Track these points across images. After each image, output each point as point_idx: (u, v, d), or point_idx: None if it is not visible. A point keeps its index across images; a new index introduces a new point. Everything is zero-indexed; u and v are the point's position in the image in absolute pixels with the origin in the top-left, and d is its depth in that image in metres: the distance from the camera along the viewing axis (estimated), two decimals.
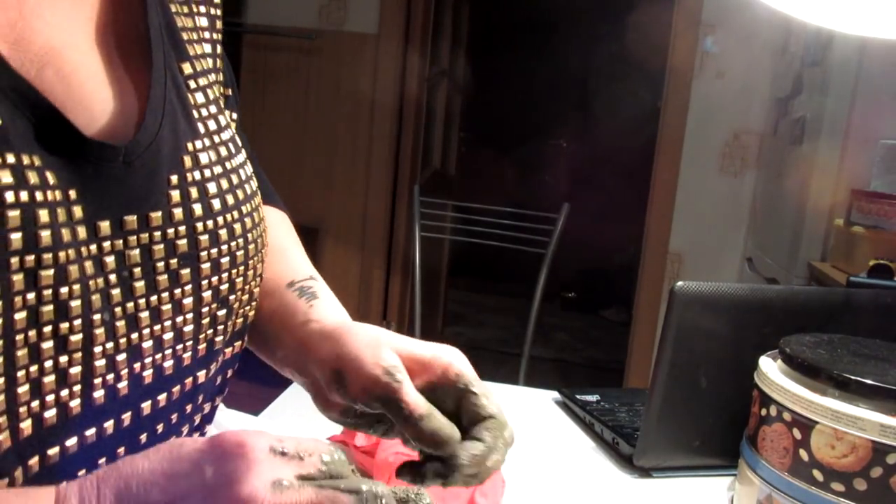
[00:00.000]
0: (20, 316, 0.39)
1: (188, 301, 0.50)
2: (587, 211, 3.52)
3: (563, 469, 0.88)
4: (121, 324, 0.45)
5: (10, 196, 0.38)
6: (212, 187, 0.51)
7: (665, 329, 0.82)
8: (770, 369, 0.72)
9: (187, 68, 0.53)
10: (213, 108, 0.54)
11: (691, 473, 0.87)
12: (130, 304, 0.46)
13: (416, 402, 0.49)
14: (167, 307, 0.48)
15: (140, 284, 0.46)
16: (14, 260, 0.38)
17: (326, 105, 3.08)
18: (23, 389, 0.39)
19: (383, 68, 3.03)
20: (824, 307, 0.87)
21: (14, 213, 0.38)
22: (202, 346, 0.52)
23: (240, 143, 0.58)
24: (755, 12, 2.51)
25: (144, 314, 0.47)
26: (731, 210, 2.87)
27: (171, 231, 0.48)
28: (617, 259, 4.58)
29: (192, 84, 0.53)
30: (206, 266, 0.50)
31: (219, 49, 0.59)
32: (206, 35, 0.57)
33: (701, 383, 0.84)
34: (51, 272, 0.40)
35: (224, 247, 0.52)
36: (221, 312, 0.53)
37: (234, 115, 0.62)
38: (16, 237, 0.38)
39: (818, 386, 0.66)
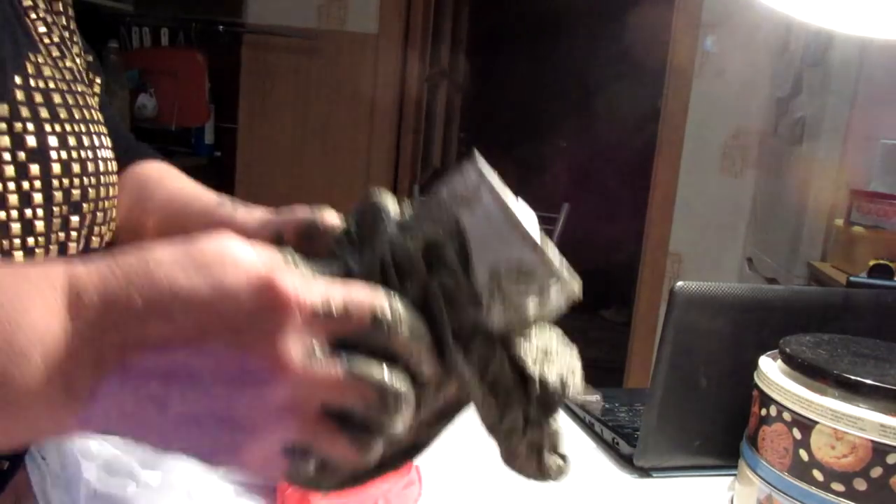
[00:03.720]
0: None
1: (37, 196, 0.50)
2: (587, 211, 3.52)
3: None
4: None
5: None
6: (57, 97, 0.53)
7: (665, 329, 0.82)
8: (770, 369, 0.72)
9: (27, 1, 0.56)
10: (55, 38, 0.57)
11: (691, 473, 0.87)
12: None
13: None
14: (13, 197, 0.48)
15: None
16: None
17: (326, 105, 3.08)
18: None
19: (383, 68, 3.03)
20: (824, 307, 0.87)
21: None
22: (53, 248, 0.52)
23: (91, 80, 0.60)
24: (755, 12, 2.51)
25: None
26: (731, 210, 2.87)
27: (18, 125, 0.49)
28: (617, 259, 4.58)
29: (33, 14, 0.56)
30: (55, 165, 0.51)
31: (70, 12, 0.62)
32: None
33: (701, 383, 0.84)
34: None
35: (73, 153, 0.53)
36: (74, 218, 0.54)
37: (98, 80, 0.65)
38: None
39: (818, 386, 0.66)
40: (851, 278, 1.12)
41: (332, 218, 0.45)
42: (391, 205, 0.40)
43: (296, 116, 3.11)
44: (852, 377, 0.64)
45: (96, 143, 0.56)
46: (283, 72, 3.07)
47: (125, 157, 0.65)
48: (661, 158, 2.92)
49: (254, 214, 0.51)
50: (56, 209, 0.52)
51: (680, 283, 0.81)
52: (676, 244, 2.93)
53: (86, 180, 0.54)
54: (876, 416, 0.62)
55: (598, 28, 4.95)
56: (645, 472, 0.87)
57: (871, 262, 1.74)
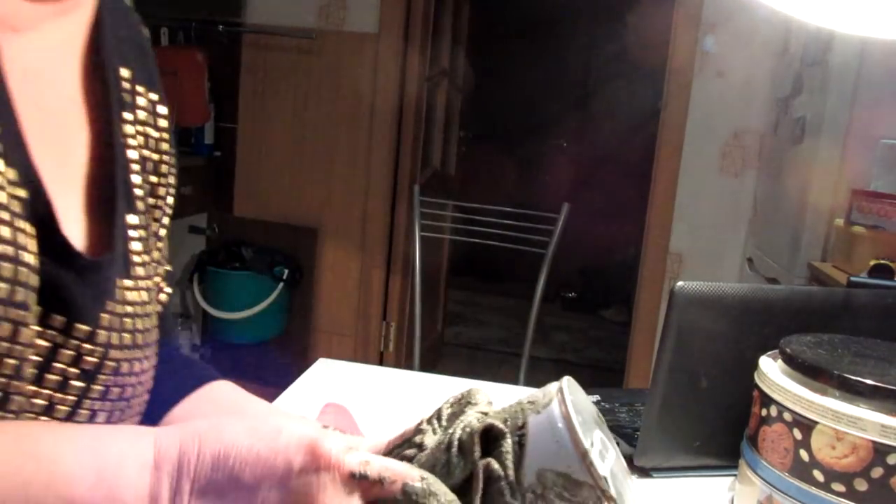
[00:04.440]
0: None
1: (63, 409, 0.51)
2: (587, 211, 3.52)
3: None
4: (21, 400, 0.48)
5: (22, 255, 0.45)
6: (129, 324, 0.56)
7: (665, 329, 0.82)
8: (770, 369, 0.72)
9: (131, 220, 0.59)
10: (145, 258, 0.60)
11: (691, 473, 0.87)
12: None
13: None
14: (41, 402, 0.49)
15: (29, 371, 0.48)
16: (1, 309, 0.44)
17: (326, 105, 3.08)
18: None
19: (383, 68, 3.03)
20: (824, 307, 0.87)
21: (22, 273, 0.45)
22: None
23: (156, 294, 0.63)
24: (755, 12, 2.52)
25: (20, 398, 0.48)
26: (731, 210, 2.87)
27: (86, 346, 0.51)
28: (617, 259, 4.59)
29: (134, 234, 0.59)
30: (97, 388, 0.53)
31: (165, 216, 0.67)
32: (161, 191, 0.65)
33: (701, 383, 0.84)
34: (10, 327, 0.45)
35: (120, 378, 0.55)
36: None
37: (167, 289, 0.70)
38: (5, 289, 0.44)
39: (818, 386, 0.66)
40: (852, 278, 1.12)
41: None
42: (482, 398, 0.45)
43: (296, 116, 3.11)
44: (853, 377, 0.64)
45: (145, 367, 0.59)
46: (283, 72, 3.07)
47: (192, 381, 0.69)
48: (661, 158, 2.92)
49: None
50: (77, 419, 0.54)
51: (680, 283, 0.80)
52: (676, 244, 2.93)
53: (116, 405, 0.56)
54: (876, 417, 0.62)
55: (598, 28, 4.95)
56: (645, 472, 0.87)
57: (872, 262, 1.74)
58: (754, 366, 0.75)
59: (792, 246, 2.16)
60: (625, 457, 0.90)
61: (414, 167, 3.19)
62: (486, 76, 4.74)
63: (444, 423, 0.44)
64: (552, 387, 0.43)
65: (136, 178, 0.60)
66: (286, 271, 3.01)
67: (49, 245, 0.48)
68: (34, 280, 0.46)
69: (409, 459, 0.42)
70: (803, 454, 0.66)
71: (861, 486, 0.62)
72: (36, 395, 0.49)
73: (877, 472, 0.62)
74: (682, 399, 0.84)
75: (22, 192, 0.46)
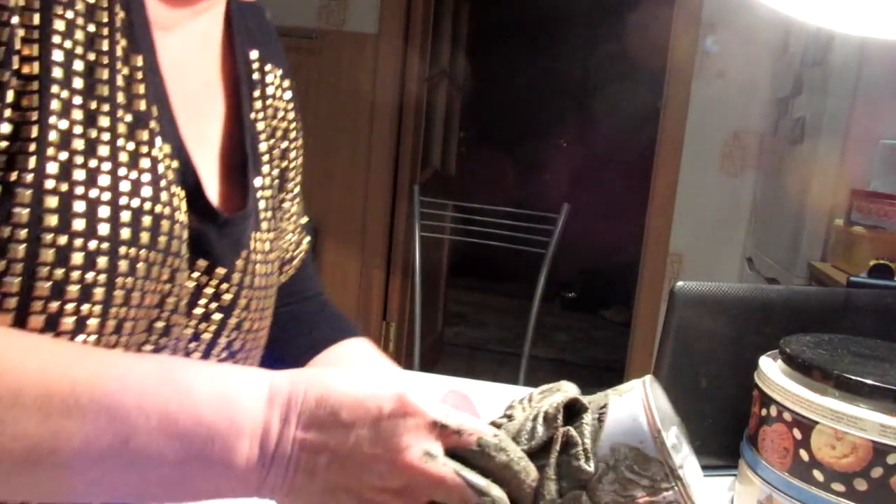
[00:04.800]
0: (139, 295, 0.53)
1: (206, 336, 0.61)
2: (587, 211, 3.52)
3: None
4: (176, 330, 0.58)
5: (178, 216, 0.55)
6: (259, 268, 0.66)
7: (665, 329, 0.82)
8: (770, 369, 0.72)
9: (258, 182, 0.69)
10: (269, 214, 0.70)
11: None
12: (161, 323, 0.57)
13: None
14: (188, 331, 0.60)
15: (183, 304, 0.58)
16: (169, 259, 0.55)
17: (326, 105, 3.08)
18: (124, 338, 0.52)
19: (383, 68, 3.03)
20: (824, 307, 0.87)
21: (177, 230, 0.55)
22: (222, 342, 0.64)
23: (276, 245, 0.72)
24: (755, 12, 2.52)
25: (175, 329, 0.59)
26: (731, 210, 2.87)
27: (224, 285, 0.62)
28: (617, 259, 4.59)
29: (259, 194, 0.68)
30: (232, 321, 0.63)
31: (288, 177, 0.77)
32: (280, 161, 0.74)
33: (701, 383, 0.84)
34: (168, 272, 0.56)
35: (251, 313, 0.65)
36: (223, 356, 0.65)
37: (305, 244, 0.83)
38: (175, 244, 0.55)
39: (818, 386, 0.66)
40: (851, 278, 1.12)
41: None
42: (572, 388, 0.49)
43: None
44: (853, 377, 0.64)
45: (268, 304, 0.69)
46: None
47: (334, 335, 0.80)
48: (661, 158, 2.92)
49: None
50: (213, 351, 0.63)
51: (680, 283, 0.81)
52: (676, 244, 2.94)
53: (247, 336, 0.66)
54: (876, 417, 0.62)
55: (598, 28, 4.95)
56: None
57: (871, 262, 1.74)
58: (754, 366, 0.75)
59: (791, 246, 2.16)
60: None
61: (414, 167, 3.19)
62: (486, 76, 4.75)
63: (533, 404, 0.48)
64: (636, 380, 0.47)
65: (263, 146, 0.70)
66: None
67: (196, 206, 0.58)
68: (185, 234, 0.56)
69: (499, 426, 0.46)
70: (803, 454, 0.66)
71: (861, 485, 0.63)
72: (187, 326, 0.59)
73: (876, 472, 0.62)
74: (682, 399, 0.84)
75: (175, 163, 0.56)
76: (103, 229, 0.50)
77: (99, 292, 0.50)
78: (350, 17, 3.05)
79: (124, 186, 0.51)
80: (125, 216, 0.51)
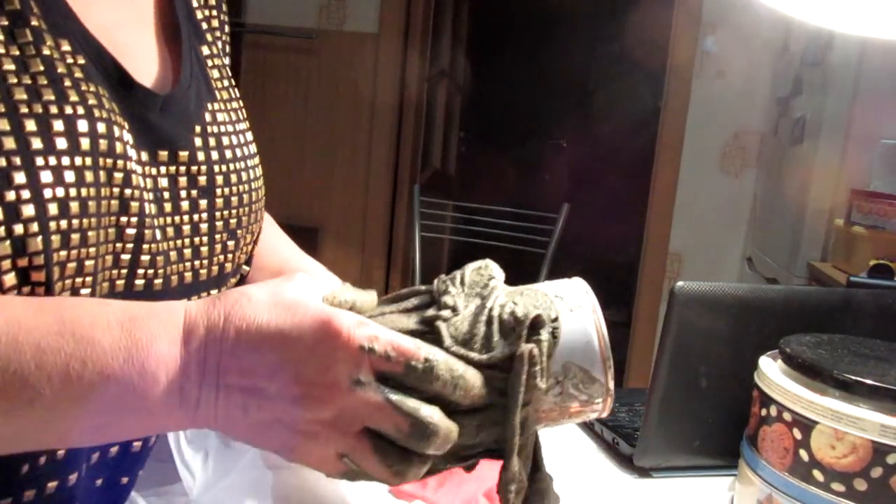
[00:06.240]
0: (101, 202, 0.49)
1: (204, 226, 0.60)
2: (587, 211, 3.52)
3: (563, 469, 0.87)
4: (158, 233, 0.55)
5: (96, 112, 0.50)
6: (225, 140, 0.63)
7: (665, 329, 0.82)
8: (770, 369, 0.72)
9: (205, 50, 0.66)
10: (225, 83, 0.67)
11: (691, 473, 0.87)
12: (160, 220, 0.55)
13: None
14: (187, 227, 0.58)
15: (168, 206, 0.57)
16: (101, 160, 0.49)
17: (326, 105, 3.08)
18: (89, 263, 0.49)
19: (383, 68, 3.03)
20: (824, 307, 0.87)
21: (102, 127, 0.50)
22: (215, 268, 0.63)
23: (244, 115, 0.70)
24: (755, 12, 2.51)
25: (170, 229, 0.57)
26: (731, 210, 2.87)
27: (193, 168, 0.59)
28: (617, 259, 4.58)
29: (209, 62, 0.66)
30: (219, 200, 0.61)
31: (227, 48, 0.73)
32: (215, 23, 0.70)
33: (701, 383, 0.84)
34: (121, 175, 0.51)
35: (234, 188, 0.63)
36: (230, 242, 0.63)
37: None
38: (103, 143, 0.50)
39: (818, 386, 0.66)
40: (851, 278, 1.12)
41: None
42: (498, 272, 0.49)
43: (296, 116, 3.11)
44: (853, 377, 0.64)
45: (252, 176, 0.66)
46: (283, 72, 3.07)
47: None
48: (661, 158, 2.92)
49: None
50: (217, 236, 0.62)
51: (680, 283, 0.80)
52: (676, 244, 2.93)
53: (241, 210, 0.64)
54: (876, 417, 0.62)
55: (598, 28, 4.95)
56: (645, 472, 0.87)
57: (871, 262, 1.74)
58: (754, 366, 0.75)
59: (792, 246, 2.16)
60: (625, 457, 0.90)
61: (414, 167, 3.19)
62: (487, 76, 4.74)
63: (466, 289, 0.47)
64: (577, 286, 0.49)
65: (198, 14, 0.67)
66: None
67: (127, 96, 0.54)
68: (118, 131, 0.51)
69: (445, 320, 0.45)
70: (803, 454, 0.66)
71: (861, 485, 0.62)
72: (180, 222, 0.57)
73: (876, 472, 0.62)
74: (682, 399, 0.84)
75: (81, 59, 0.51)
76: (9, 143, 0.45)
77: (30, 208, 0.45)
78: (350, 17, 3.05)
79: (19, 93, 0.46)
80: (30, 124, 0.46)
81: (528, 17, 5.07)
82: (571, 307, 0.47)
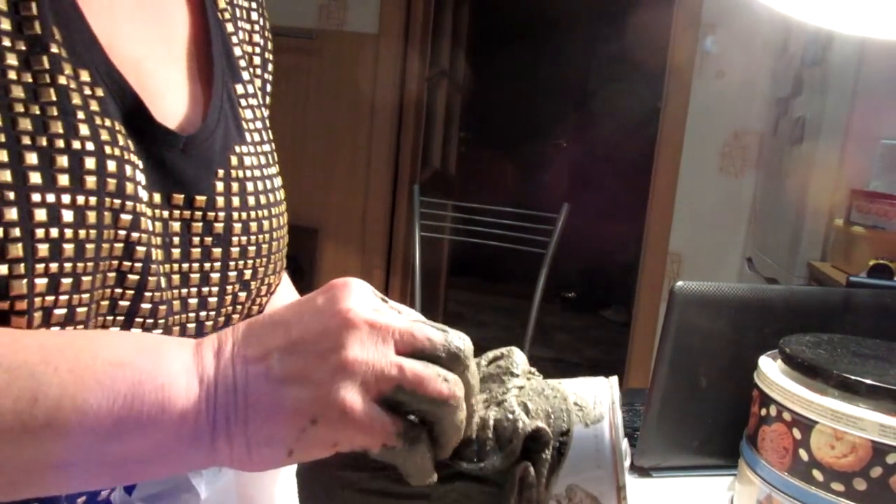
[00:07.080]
0: (101, 245, 0.47)
1: (215, 276, 0.57)
2: (587, 211, 3.52)
3: None
4: (163, 280, 0.53)
5: (108, 149, 0.47)
6: (250, 186, 0.60)
7: (665, 329, 0.82)
8: (770, 369, 0.72)
9: (240, 89, 0.63)
10: (258, 125, 0.64)
11: (691, 473, 0.87)
12: (166, 266, 0.53)
13: None
14: (196, 276, 0.55)
15: (176, 252, 0.54)
16: (107, 200, 0.47)
17: (326, 105, 3.08)
18: (81, 310, 0.46)
19: (383, 68, 3.03)
20: (824, 307, 0.87)
21: (112, 165, 0.47)
22: (221, 320, 0.59)
23: (275, 159, 0.67)
24: (755, 12, 2.51)
25: (177, 277, 0.54)
26: (731, 210, 2.87)
27: (210, 214, 0.56)
28: (617, 259, 4.58)
29: (243, 102, 0.63)
30: (234, 249, 0.58)
31: (268, 86, 0.71)
32: (257, 60, 0.68)
33: (701, 383, 0.84)
34: (129, 217, 0.49)
35: (252, 237, 0.59)
36: (242, 294, 0.60)
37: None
38: (112, 182, 0.47)
39: (818, 386, 0.66)
40: (851, 278, 1.12)
41: None
42: (521, 363, 0.44)
43: (296, 116, 3.11)
44: (852, 377, 0.64)
45: (275, 225, 0.63)
46: (283, 72, 3.06)
47: None
48: (661, 158, 2.92)
49: None
50: (229, 287, 0.58)
51: (680, 283, 0.81)
52: (676, 244, 2.94)
53: (258, 261, 0.61)
54: (876, 416, 0.62)
55: (598, 28, 4.95)
56: (645, 472, 0.87)
57: (871, 262, 1.74)
58: (754, 366, 0.75)
59: (791, 246, 2.16)
60: None
61: (414, 167, 3.19)
62: (486, 76, 4.74)
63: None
64: (601, 394, 0.42)
65: (237, 51, 0.63)
66: (286, 271, 3.01)
67: (146, 133, 0.51)
68: (129, 170, 0.49)
69: None
70: (803, 454, 0.66)
71: (860, 485, 0.63)
72: (189, 270, 0.55)
73: (876, 472, 0.62)
74: (682, 399, 0.84)
75: (99, 91, 0.49)
76: (4, 176, 0.42)
77: (18, 248, 0.42)
78: (350, 17, 3.05)
79: (24, 123, 0.44)
80: (31, 158, 0.43)
81: (529, 17, 5.07)
82: (589, 420, 0.41)
